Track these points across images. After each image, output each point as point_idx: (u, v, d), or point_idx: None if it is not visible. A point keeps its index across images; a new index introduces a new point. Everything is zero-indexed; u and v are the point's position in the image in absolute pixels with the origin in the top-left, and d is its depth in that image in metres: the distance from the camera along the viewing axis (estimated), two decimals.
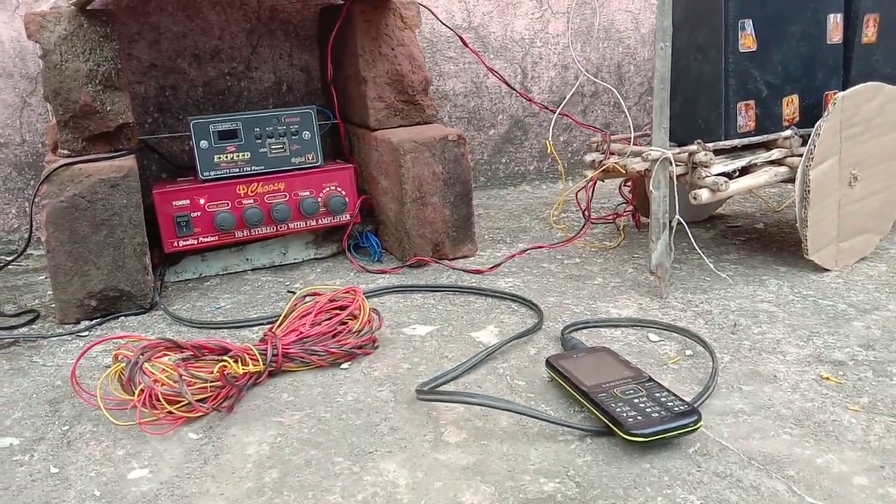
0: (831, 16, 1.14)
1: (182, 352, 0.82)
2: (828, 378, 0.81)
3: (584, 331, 0.98)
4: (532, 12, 1.81)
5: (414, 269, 1.27)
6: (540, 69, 1.86)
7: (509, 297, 1.10)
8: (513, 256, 1.28)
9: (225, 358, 0.79)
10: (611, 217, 1.49)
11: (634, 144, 1.21)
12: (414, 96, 1.35)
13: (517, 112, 1.86)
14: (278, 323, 0.94)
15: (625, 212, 1.47)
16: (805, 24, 1.12)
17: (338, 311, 0.96)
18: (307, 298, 0.98)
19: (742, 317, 1.00)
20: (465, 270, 1.25)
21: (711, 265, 1.16)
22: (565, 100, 1.66)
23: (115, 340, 0.99)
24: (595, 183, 1.37)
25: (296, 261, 1.34)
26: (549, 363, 0.81)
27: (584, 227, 1.25)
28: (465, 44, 1.48)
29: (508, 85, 1.58)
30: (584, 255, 1.31)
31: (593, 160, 1.31)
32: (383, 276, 1.25)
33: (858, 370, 0.83)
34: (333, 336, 0.94)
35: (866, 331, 0.93)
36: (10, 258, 1.22)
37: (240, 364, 0.80)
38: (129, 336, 0.94)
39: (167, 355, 0.82)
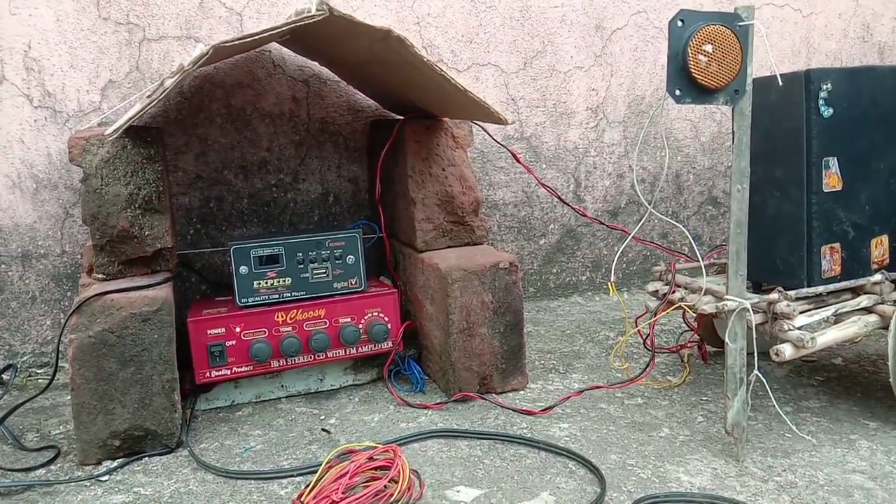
0: None
1: None
2: None
3: None
4: (587, 122, 1.75)
5: (459, 405, 1.17)
6: (594, 178, 1.79)
7: (565, 453, 1.00)
8: (568, 398, 1.17)
9: None
10: (675, 348, 1.38)
11: (697, 277, 1.12)
12: (463, 217, 1.29)
13: (569, 221, 1.78)
14: (309, 488, 0.85)
15: (690, 342, 1.35)
16: (894, 159, 1.03)
17: (376, 474, 0.86)
18: (343, 457, 0.89)
19: (833, 493, 0.87)
20: (514, 410, 1.15)
21: (794, 427, 1.03)
22: (639, 223, 1.58)
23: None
24: (661, 314, 1.27)
25: (333, 387, 1.26)
26: None
27: (647, 367, 1.15)
28: (516, 159, 1.42)
29: (560, 198, 1.51)
30: (646, 395, 1.20)
31: (656, 290, 1.21)
32: (425, 412, 1.15)
33: None
34: (375, 499, 0.84)
35: None
36: (35, 394, 1.17)
37: None
38: None
39: None
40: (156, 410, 1.03)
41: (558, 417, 1.12)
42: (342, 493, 0.84)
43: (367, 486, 0.85)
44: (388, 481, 0.85)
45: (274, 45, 1.45)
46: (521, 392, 1.23)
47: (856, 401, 1.14)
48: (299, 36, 1.15)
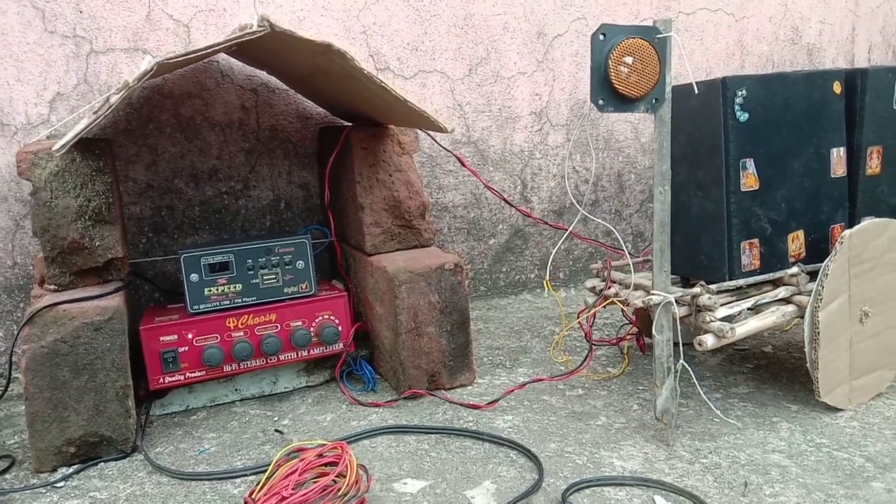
0: (834, 150, 1.13)
1: None
2: None
3: (587, 490, 0.92)
4: (531, 125, 1.81)
5: (409, 402, 1.22)
6: (540, 180, 1.85)
7: (507, 443, 1.05)
8: (511, 391, 1.23)
9: None
10: (614, 341, 1.45)
11: (628, 271, 1.18)
12: (411, 221, 1.33)
13: (517, 222, 1.84)
14: (260, 485, 0.88)
15: (629, 334, 1.42)
16: (808, 159, 1.10)
17: (324, 470, 0.91)
18: (292, 455, 0.93)
19: (753, 472, 0.94)
20: (462, 404, 1.20)
21: (719, 412, 1.10)
22: (574, 222, 1.65)
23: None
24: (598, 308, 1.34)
25: (286, 390, 1.30)
26: None
27: (585, 359, 1.21)
28: (462, 163, 1.47)
29: (506, 201, 1.56)
30: (587, 386, 1.26)
31: (594, 287, 1.28)
32: (376, 410, 1.20)
33: None
34: (320, 498, 0.88)
35: (887, 495, 0.87)
36: None
37: None
38: None
39: None
40: (110, 417, 1.05)
41: (503, 410, 1.18)
42: (292, 489, 0.88)
43: (317, 482, 0.89)
44: (336, 476, 0.89)
45: (222, 56, 1.48)
46: (470, 387, 1.28)
47: (781, 386, 1.22)
48: (245, 48, 1.18)
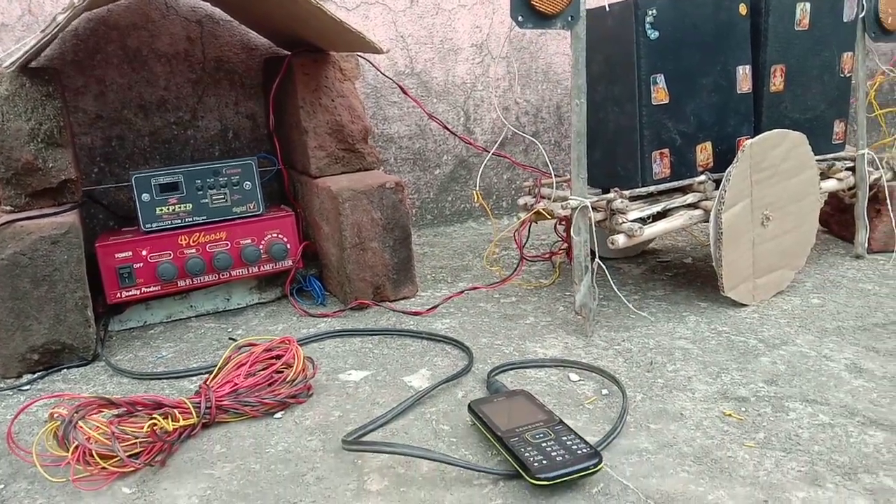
0: (740, 68, 1.22)
1: (116, 408, 0.85)
2: (730, 415, 0.87)
3: (511, 372, 1.03)
4: (473, 58, 1.88)
5: (356, 313, 1.31)
6: (482, 111, 1.93)
7: (443, 339, 1.15)
8: (450, 298, 1.33)
9: (155, 415, 0.82)
10: (547, 255, 1.55)
11: (560, 189, 1.28)
12: (354, 145, 1.40)
13: (461, 152, 1.92)
14: (213, 375, 0.97)
15: (559, 250, 1.53)
16: (715, 76, 1.20)
17: (273, 361, 0.99)
18: (243, 349, 1.01)
19: (659, 354, 1.06)
20: (404, 312, 1.29)
21: (631, 306, 1.22)
22: (496, 143, 1.73)
23: (49, 400, 1.01)
24: (529, 224, 1.43)
25: (239, 306, 1.38)
26: (470, 408, 0.86)
27: (517, 267, 1.31)
28: (405, 93, 1.54)
29: (448, 129, 1.64)
30: (519, 294, 1.37)
31: (525, 203, 1.37)
32: (325, 320, 1.29)
33: (759, 406, 0.89)
34: (269, 385, 0.97)
35: (772, 366, 1.00)
36: None
37: (170, 420, 0.83)
38: (65, 395, 0.96)
39: (101, 412, 0.84)
40: (71, 326, 1.12)
41: (442, 315, 1.28)
42: (244, 377, 0.97)
43: (265, 371, 0.98)
44: (284, 366, 0.98)
45: None
46: (413, 299, 1.38)
47: (695, 289, 1.34)
48: None
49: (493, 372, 1.00)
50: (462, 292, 1.35)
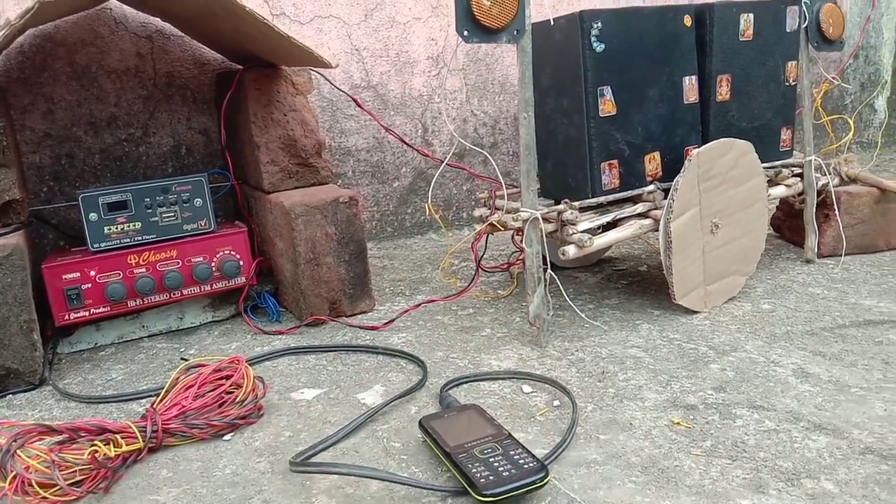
0: (686, 78, 1.24)
1: (57, 435, 0.83)
2: (678, 423, 0.88)
3: (465, 386, 1.02)
4: (429, 70, 1.88)
5: (311, 329, 1.30)
6: (440, 123, 1.93)
7: (398, 353, 1.15)
8: (407, 311, 1.32)
9: (97, 441, 0.81)
10: (504, 266, 1.56)
11: (513, 200, 1.28)
12: (307, 159, 1.39)
13: (420, 164, 1.92)
14: (160, 397, 0.95)
15: (517, 260, 1.53)
16: (662, 87, 1.21)
17: (222, 382, 0.98)
18: (191, 370, 1.00)
19: (611, 363, 1.06)
20: (361, 327, 1.28)
21: (585, 316, 1.23)
22: (447, 156, 1.74)
23: None
24: (487, 235, 1.44)
25: (193, 325, 1.36)
26: (421, 424, 0.86)
27: (473, 279, 1.31)
28: (360, 106, 1.53)
29: (404, 141, 1.64)
30: (477, 306, 1.37)
31: (481, 215, 1.37)
32: (279, 337, 1.27)
33: (707, 413, 0.90)
34: (219, 406, 0.96)
35: (721, 373, 1.01)
36: None
37: (112, 446, 0.82)
38: (3, 423, 0.94)
39: (42, 439, 0.82)
40: (16, 350, 1.10)
41: (399, 329, 1.27)
42: (192, 399, 0.95)
43: (215, 391, 0.96)
44: (233, 386, 0.97)
45: (114, 3, 1.49)
46: (370, 313, 1.37)
47: (649, 297, 1.35)
48: None
49: (447, 386, 1.00)
50: (419, 305, 1.35)
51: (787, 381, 0.97)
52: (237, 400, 0.96)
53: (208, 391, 0.97)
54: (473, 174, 1.81)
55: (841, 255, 1.49)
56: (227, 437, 0.92)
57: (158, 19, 1.53)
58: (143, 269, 1.24)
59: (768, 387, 0.96)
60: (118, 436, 0.83)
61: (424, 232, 1.98)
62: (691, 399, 0.94)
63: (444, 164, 1.34)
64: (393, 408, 0.97)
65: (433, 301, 1.37)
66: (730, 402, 0.92)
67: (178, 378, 0.98)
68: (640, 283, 1.43)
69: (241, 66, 1.57)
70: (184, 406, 0.94)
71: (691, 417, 0.89)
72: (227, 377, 0.99)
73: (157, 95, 1.57)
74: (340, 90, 1.59)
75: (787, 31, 1.37)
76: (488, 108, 1.99)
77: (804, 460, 0.78)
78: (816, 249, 1.49)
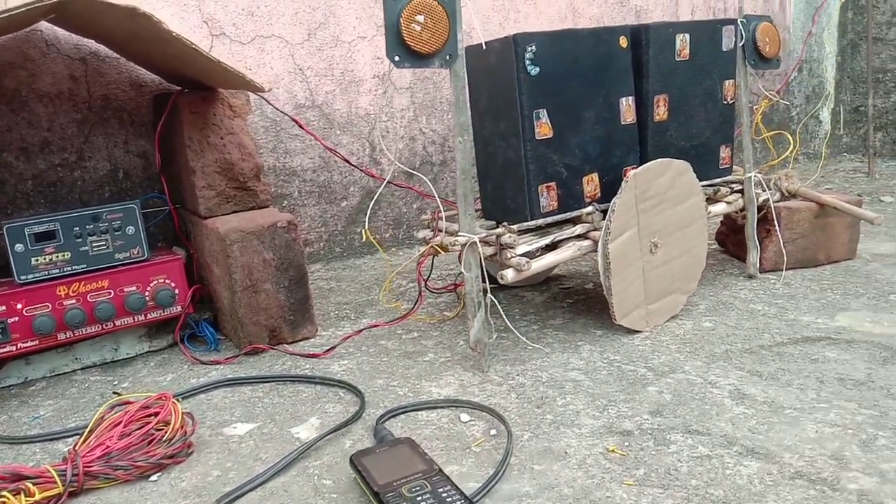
0: (623, 99, 1.25)
1: None
2: (613, 450, 0.87)
3: (403, 416, 1.01)
4: (375, 89, 1.87)
5: (250, 358, 1.27)
6: (388, 142, 1.92)
7: (337, 383, 1.12)
8: (348, 338, 1.30)
9: (4, 492, 0.77)
10: (451, 287, 1.55)
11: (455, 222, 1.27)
12: (245, 183, 1.37)
13: (368, 184, 1.90)
14: (83, 438, 0.92)
15: (463, 281, 1.52)
16: (599, 108, 1.22)
17: (150, 420, 0.95)
18: (116, 408, 0.96)
19: (551, 388, 1.06)
20: (301, 355, 1.26)
21: (526, 339, 1.22)
22: (387, 176, 1.72)
23: None
24: (432, 256, 1.42)
25: (129, 356, 1.32)
26: (351, 461, 0.83)
27: (416, 303, 1.29)
28: (301, 127, 1.51)
29: (348, 161, 1.62)
30: (422, 329, 1.35)
31: (424, 237, 1.36)
32: (217, 367, 1.24)
33: (642, 440, 0.89)
34: (147, 445, 0.93)
35: (658, 396, 1.01)
36: None
37: (23, 495, 0.78)
38: None
39: None
40: None
41: (340, 356, 1.25)
42: (117, 439, 0.91)
43: (141, 429, 0.93)
44: (161, 424, 0.94)
45: (45, 25, 1.45)
46: (312, 340, 1.34)
47: (593, 316, 1.35)
48: (62, 15, 1.17)
49: (382, 418, 0.98)
50: (361, 331, 1.33)
51: (722, 403, 0.98)
52: (164, 438, 0.92)
53: (135, 429, 0.94)
54: (420, 193, 1.80)
55: (782, 270, 1.51)
56: (154, 477, 0.89)
57: (92, 41, 1.49)
58: (73, 301, 1.20)
59: (704, 410, 0.96)
60: (31, 483, 0.80)
61: (374, 252, 1.96)
62: (627, 424, 0.93)
63: (384, 184, 1.32)
64: (327, 442, 0.95)
65: (377, 326, 1.35)
66: (665, 427, 0.92)
67: (102, 416, 0.95)
68: (586, 302, 1.43)
69: (179, 88, 1.54)
70: (108, 446, 0.90)
71: (626, 444, 0.89)
72: (155, 414, 0.96)
73: (93, 119, 1.53)
74: (282, 112, 1.57)
75: (724, 50, 1.38)
76: (437, 126, 1.98)
77: (735, 487, 0.78)
78: (758, 265, 1.51)
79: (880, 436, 0.87)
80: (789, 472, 0.80)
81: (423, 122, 1.97)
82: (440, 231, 1.32)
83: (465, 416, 0.99)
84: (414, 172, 1.82)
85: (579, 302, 1.44)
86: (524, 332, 1.28)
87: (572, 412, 0.98)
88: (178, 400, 0.98)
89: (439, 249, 1.24)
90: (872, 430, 0.88)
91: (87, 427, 0.98)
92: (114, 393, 1.17)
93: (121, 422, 0.93)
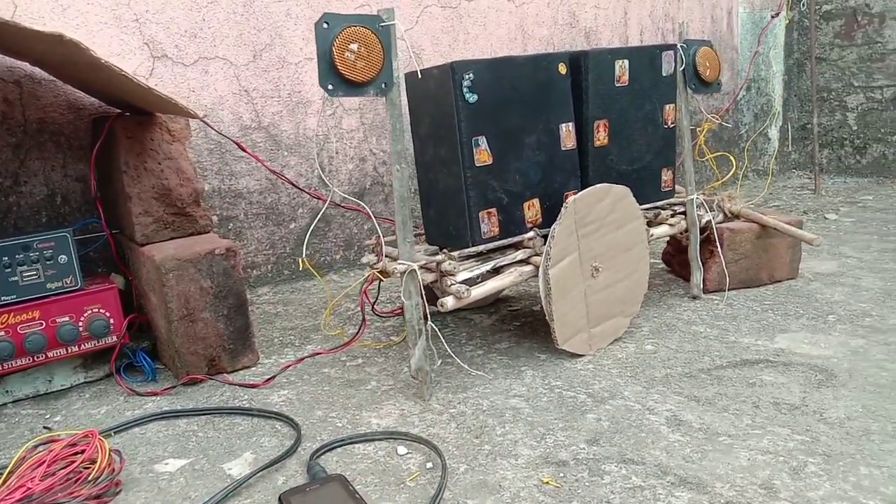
0: (563, 125, 1.25)
1: None
2: (548, 482, 0.87)
3: (339, 449, 0.99)
4: (324, 110, 1.86)
5: (188, 388, 1.24)
6: (337, 163, 1.91)
7: (273, 415, 1.10)
8: (289, 366, 1.28)
9: None
10: (397, 311, 1.53)
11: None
12: (184, 208, 1.34)
13: (317, 205, 1.88)
14: (2, 480, 0.88)
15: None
16: (539, 134, 1.22)
17: (75, 458, 0.92)
18: (40, 447, 0.93)
19: (491, 416, 1.05)
20: (240, 385, 1.23)
21: (467, 367, 1.21)
22: (330, 196, 1.71)
23: None
24: (378, 281, 1.41)
25: (63, 387, 1.28)
26: (280, 501, 0.82)
27: (360, 329, 1.28)
28: (243, 149, 1.49)
29: (292, 184, 1.60)
30: (367, 355, 1.34)
31: (368, 262, 1.35)
32: (153, 398, 1.21)
33: (577, 470, 0.89)
34: (74, 483, 0.89)
35: (596, 423, 1.01)
36: None
37: None
38: None
39: None
40: None
41: (281, 386, 1.22)
42: (39, 479, 0.88)
43: (66, 469, 0.90)
44: (87, 462, 0.91)
45: None
46: (253, 368, 1.32)
47: (538, 339, 1.35)
48: None
49: (317, 453, 0.96)
50: (302, 360, 1.31)
51: (659, 430, 0.98)
52: (90, 478, 0.89)
53: (59, 469, 0.91)
54: (368, 215, 1.78)
55: (725, 291, 1.53)
56: None
57: (27, 63, 1.45)
58: (2, 333, 1.16)
59: (640, 438, 0.96)
60: None
61: (324, 274, 1.94)
62: (564, 454, 0.93)
63: (325, 206, 1.31)
64: (260, 479, 0.92)
65: (320, 353, 1.33)
66: (601, 457, 0.92)
67: (23, 457, 0.91)
68: (532, 325, 1.43)
69: (119, 111, 1.51)
70: (29, 488, 0.87)
71: (561, 475, 0.88)
72: (81, 452, 0.92)
73: (28, 143, 1.49)
74: (223, 135, 1.55)
75: (664, 75, 1.40)
76: (387, 147, 1.98)
77: None
78: (702, 285, 1.53)
79: (810, 462, 0.88)
80: (719, 502, 0.81)
81: (373, 143, 1.96)
82: (385, 256, 1.31)
83: (402, 449, 0.98)
84: (353, 199, 1.81)
85: (526, 325, 1.44)
86: (469, 356, 1.28)
87: (510, 442, 0.97)
88: (108, 435, 0.96)
89: (381, 276, 1.23)
90: (803, 456, 0.89)
91: (6, 468, 0.95)
92: (44, 427, 1.13)
93: (44, 461, 0.90)
